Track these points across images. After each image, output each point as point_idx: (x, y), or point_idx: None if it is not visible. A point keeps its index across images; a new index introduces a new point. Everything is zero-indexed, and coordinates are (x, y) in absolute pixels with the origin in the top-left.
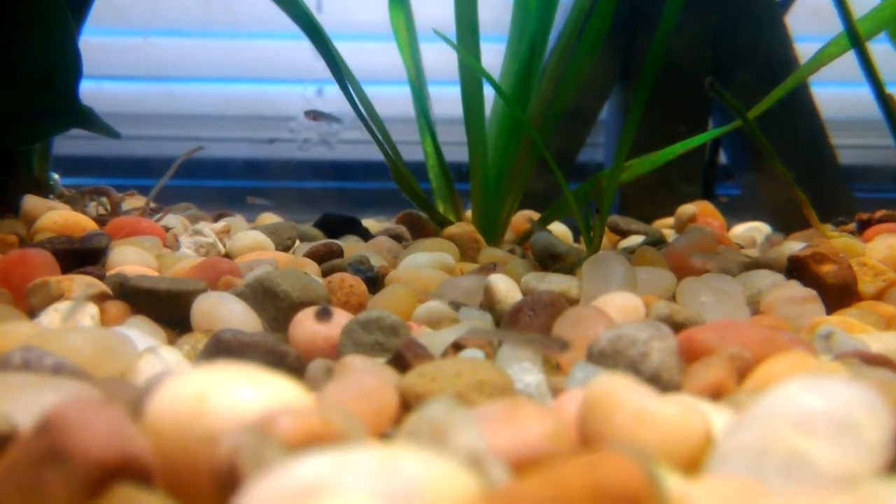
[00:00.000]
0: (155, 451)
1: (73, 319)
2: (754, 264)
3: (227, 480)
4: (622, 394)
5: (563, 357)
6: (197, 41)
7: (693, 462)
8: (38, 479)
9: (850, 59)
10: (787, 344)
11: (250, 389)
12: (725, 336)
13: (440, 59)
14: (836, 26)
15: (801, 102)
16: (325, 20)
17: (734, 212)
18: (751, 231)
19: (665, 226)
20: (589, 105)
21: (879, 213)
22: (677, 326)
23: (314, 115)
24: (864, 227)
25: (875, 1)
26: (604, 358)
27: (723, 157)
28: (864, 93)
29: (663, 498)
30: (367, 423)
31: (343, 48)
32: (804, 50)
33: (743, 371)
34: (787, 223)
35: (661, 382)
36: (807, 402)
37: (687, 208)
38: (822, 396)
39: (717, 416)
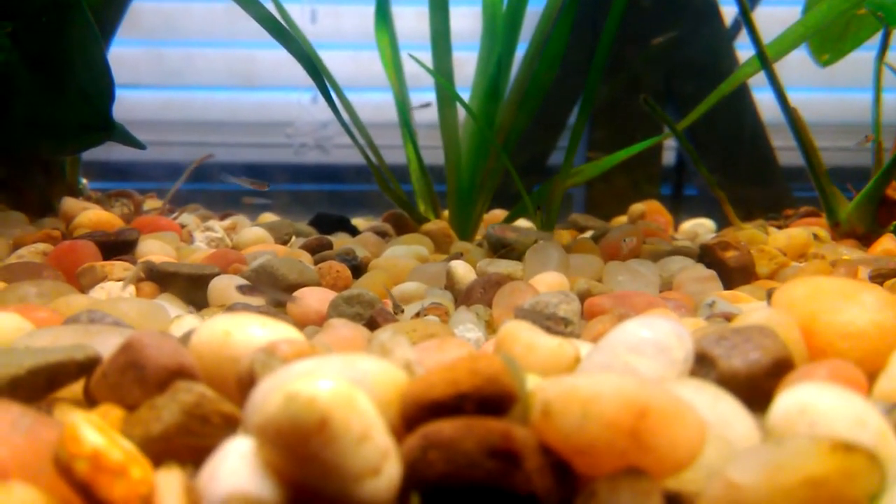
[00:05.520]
0: (198, 367)
1: (126, 290)
2: (674, 251)
3: (247, 381)
4: (520, 332)
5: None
6: (202, 51)
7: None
8: (123, 380)
9: (798, 68)
10: (664, 306)
11: (260, 328)
12: (619, 302)
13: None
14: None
15: (744, 109)
16: (318, 30)
17: (690, 209)
18: (695, 227)
19: (620, 223)
20: (559, 112)
21: (803, 209)
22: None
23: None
24: (790, 221)
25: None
26: (526, 316)
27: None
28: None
29: (520, 380)
30: None
31: (336, 56)
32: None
33: None
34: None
35: (565, 333)
36: (638, 333)
37: (637, 207)
38: (649, 329)
39: (587, 348)
